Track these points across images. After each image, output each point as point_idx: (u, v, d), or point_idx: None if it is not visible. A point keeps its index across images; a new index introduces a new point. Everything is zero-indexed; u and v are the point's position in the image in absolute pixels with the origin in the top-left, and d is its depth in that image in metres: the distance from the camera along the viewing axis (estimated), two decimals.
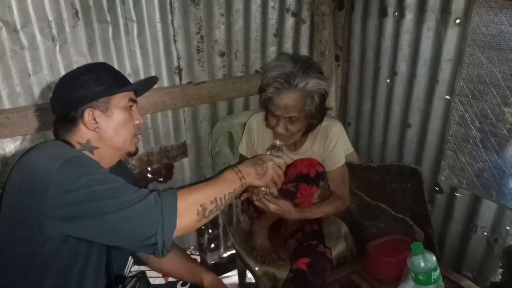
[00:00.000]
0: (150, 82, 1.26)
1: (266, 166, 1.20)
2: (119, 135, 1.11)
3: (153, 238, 0.93)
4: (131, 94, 1.16)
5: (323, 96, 1.52)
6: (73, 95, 1.07)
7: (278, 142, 1.33)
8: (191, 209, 0.99)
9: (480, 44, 1.34)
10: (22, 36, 1.34)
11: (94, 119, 1.08)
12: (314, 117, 1.52)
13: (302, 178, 1.50)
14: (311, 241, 1.49)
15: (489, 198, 1.43)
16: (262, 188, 1.31)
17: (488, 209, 1.45)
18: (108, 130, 1.09)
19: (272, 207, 1.37)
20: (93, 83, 1.07)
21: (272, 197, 1.36)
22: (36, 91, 1.42)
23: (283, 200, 1.42)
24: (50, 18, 1.36)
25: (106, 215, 0.92)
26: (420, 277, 1.19)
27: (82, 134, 1.08)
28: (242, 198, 1.42)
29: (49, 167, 0.92)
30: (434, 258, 1.20)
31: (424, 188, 1.59)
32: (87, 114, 1.07)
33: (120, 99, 1.11)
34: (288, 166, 1.57)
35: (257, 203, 1.37)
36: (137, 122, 1.17)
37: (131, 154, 1.20)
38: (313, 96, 1.46)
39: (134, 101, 1.17)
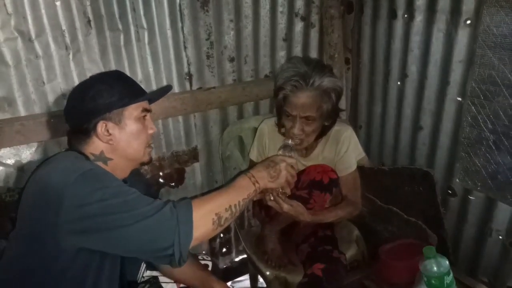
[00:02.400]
0: (163, 90, 1.25)
1: (279, 167, 1.18)
2: (133, 146, 1.11)
3: (170, 249, 0.93)
4: (144, 104, 1.15)
5: (339, 94, 1.52)
6: (85, 107, 1.06)
7: (290, 141, 1.32)
8: (206, 219, 0.99)
9: (491, 45, 1.32)
10: (36, 45, 1.37)
11: (108, 131, 1.07)
12: (329, 117, 1.52)
13: (315, 185, 1.50)
14: (325, 246, 1.48)
15: (504, 200, 1.40)
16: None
17: (503, 212, 1.42)
18: (121, 141, 1.09)
19: (286, 207, 1.35)
20: (105, 94, 1.06)
21: (286, 197, 1.35)
22: (51, 99, 1.45)
23: (296, 201, 1.41)
24: (64, 27, 1.40)
25: (121, 228, 0.92)
26: (433, 281, 1.18)
27: (95, 146, 1.08)
28: (255, 198, 1.41)
29: (64, 182, 0.93)
30: (447, 262, 1.18)
31: (437, 191, 1.57)
32: (100, 126, 1.06)
33: (133, 110, 1.11)
34: (301, 173, 1.56)
35: (270, 203, 1.36)
36: (150, 131, 1.16)
37: (144, 164, 1.19)
38: (329, 93, 1.47)
39: (148, 110, 1.16)
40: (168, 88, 1.26)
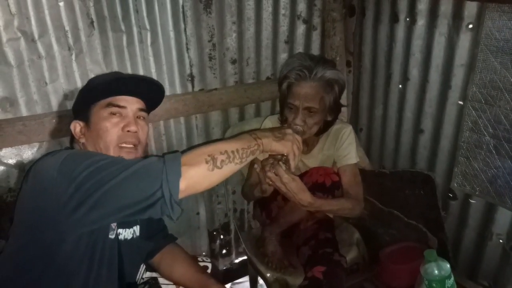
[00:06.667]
0: (143, 81, 1.29)
1: (284, 131, 1.15)
2: (99, 145, 1.11)
3: (159, 191, 0.91)
4: (112, 100, 1.13)
5: (342, 87, 1.54)
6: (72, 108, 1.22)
7: (298, 127, 1.35)
8: (197, 158, 0.96)
9: (493, 49, 1.32)
10: (39, 45, 1.37)
11: (80, 131, 1.15)
12: (331, 111, 1.53)
13: (318, 187, 1.49)
14: (326, 249, 1.47)
15: (503, 205, 1.40)
16: (279, 157, 1.22)
17: (503, 216, 1.43)
18: (89, 140, 1.14)
19: (286, 177, 1.25)
20: (78, 95, 1.19)
21: (288, 169, 1.25)
22: (53, 99, 1.45)
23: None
24: (67, 28, 1.40)
25: (111, 180, 0.91)
26: (434, 285, 1.18)
27: (77, 145, 1.17)
28: (255, 166, 1.32)
29: (55, 164, 0.96)
30: (448, 265, 1.19)
31: (438, 194, 1.57)
32: (73, 127, 1.16)
33: (99, 108, 1.14)
34: (304, 175, 1.56)
35: (269, 174, 1.26)
36: (127, 129, 1.13)
37: None
38: (332, 85, 1.48)
39: (119, 106, 1.13)
40: (148, 80, 1.29)
